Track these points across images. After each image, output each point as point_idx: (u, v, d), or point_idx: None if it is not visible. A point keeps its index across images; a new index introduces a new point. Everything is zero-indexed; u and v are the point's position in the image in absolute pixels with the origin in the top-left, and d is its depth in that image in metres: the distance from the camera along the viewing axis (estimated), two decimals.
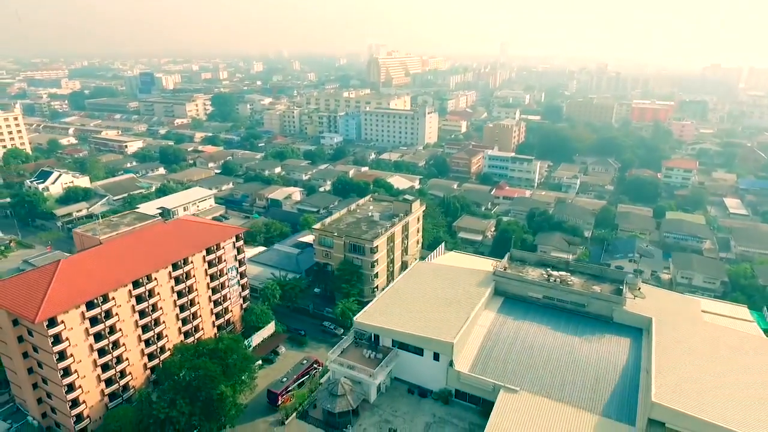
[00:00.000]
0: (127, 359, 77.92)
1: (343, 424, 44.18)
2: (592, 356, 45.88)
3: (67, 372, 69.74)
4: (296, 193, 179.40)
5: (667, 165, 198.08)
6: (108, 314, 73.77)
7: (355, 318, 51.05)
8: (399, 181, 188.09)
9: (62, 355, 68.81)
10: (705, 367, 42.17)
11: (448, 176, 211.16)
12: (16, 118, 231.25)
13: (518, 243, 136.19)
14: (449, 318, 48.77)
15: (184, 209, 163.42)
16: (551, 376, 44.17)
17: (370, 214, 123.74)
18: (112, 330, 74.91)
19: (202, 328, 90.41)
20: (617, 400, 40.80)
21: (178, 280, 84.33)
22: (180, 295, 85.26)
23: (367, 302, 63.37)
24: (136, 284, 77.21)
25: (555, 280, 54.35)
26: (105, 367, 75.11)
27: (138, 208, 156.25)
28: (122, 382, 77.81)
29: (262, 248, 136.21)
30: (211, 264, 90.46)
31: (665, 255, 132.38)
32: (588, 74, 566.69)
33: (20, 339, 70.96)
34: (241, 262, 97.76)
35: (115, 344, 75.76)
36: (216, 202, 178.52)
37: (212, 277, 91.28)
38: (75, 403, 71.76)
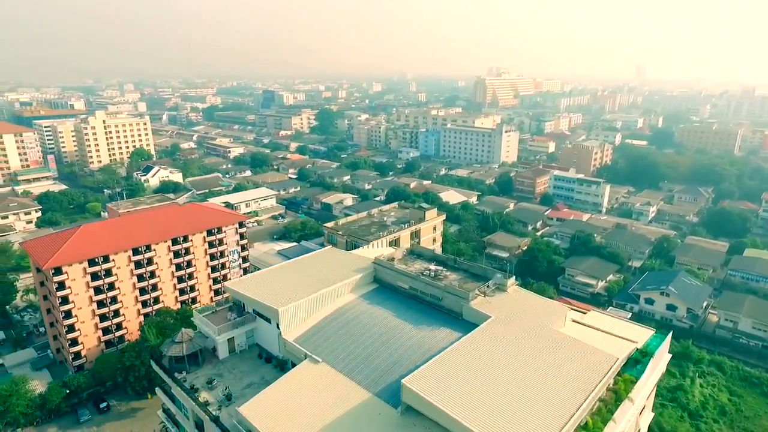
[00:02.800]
0: (123, 315, 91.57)
1: (178, 370, 49.54)
2: (409, 344, 44.86)
3: (68, 315, 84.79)
4: (348, 199, 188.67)
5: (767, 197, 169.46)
6: (108, 273, 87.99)
7: (225, 283, 56.27)
8: (452, 196, 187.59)
9: (65, 300, 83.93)
10: (499, 365, 39.40)
11: (511, 195, 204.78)
12: (145, 124, 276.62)
13: (545, 263, 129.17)
14: (303, 292, 51.48)
15: (246, 205, 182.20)
16: (358, 355, 44.27)
17: (385, 218, 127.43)
18: (111, 287, 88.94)
19: (200, 301, 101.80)
20: (398, 385, 40.42)
21: (177, 254, 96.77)
22: (178, 267, 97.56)
23: None
24: (136, 251, 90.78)
25: (429, 274, 53.65)
26: (103, 318, 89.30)
27: (208, 201, 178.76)
28: (118, 334, 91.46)
29: (293, 244, 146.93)
30: (211, 245, 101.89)
31: (717, 294, 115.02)
32: (727, 99, 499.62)
33: (42, 284, 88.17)
34: (243, 247, 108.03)
35: (113, 299, 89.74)
36: (281, 203, 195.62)
37: (212, 257, 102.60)
38: (74, 342, 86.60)
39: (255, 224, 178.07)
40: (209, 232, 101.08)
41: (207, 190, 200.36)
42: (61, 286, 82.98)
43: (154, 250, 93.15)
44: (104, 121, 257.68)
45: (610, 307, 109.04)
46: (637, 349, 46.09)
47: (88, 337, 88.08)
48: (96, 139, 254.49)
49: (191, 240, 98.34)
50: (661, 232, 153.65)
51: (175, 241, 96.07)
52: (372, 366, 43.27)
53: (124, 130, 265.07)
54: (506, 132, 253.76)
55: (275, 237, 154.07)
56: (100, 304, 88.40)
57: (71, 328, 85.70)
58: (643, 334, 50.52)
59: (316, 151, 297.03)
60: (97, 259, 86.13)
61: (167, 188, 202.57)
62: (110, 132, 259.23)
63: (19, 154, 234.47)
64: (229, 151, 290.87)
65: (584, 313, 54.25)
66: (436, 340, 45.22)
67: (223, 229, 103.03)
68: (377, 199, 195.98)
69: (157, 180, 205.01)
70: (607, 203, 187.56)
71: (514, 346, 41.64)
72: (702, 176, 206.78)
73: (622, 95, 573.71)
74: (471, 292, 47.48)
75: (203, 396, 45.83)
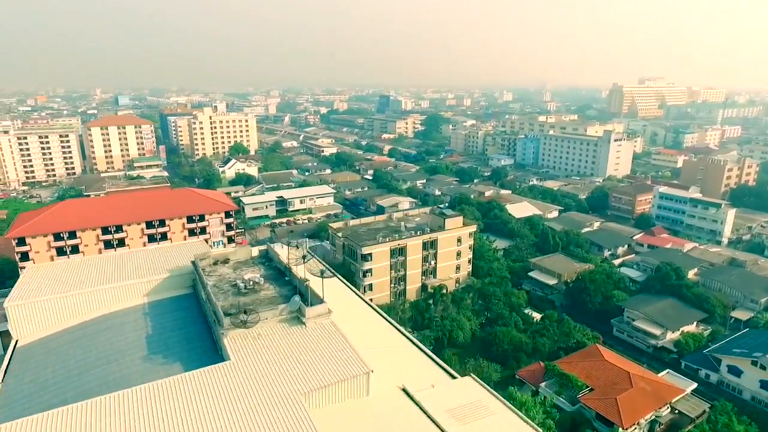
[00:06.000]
0: None
1: None
2: (110, 378, 30.21)
3: None
4: (405, 203, 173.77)
5: None
6: (75, 249, 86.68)
7: (26, 265, 47.15)
8: (524, 208, 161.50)
9: None
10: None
11: (604, 213, 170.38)
12: (247, 122, 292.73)
13: (598, 298, 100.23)
14: (73, 288, 39.93)
15: (301, 201, 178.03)
16: (46, 381, 30.86)
17: (403, 223, 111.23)
18: None
19: None
20: None
21: (152, 238, 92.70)
22: None
23: None
24: (106, 231, 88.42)
25: (240, 285, 37.83)
26: None
27: (264, 194, 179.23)
28: None
29: (319, 243, 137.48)
30: (192, 232, 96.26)
31: None
32: None
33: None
34: (230, 239, 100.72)
35: None
36: (342, 202, 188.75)
37: None
38: None
39: (307, 221, 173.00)
40: (190, 219, 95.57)
41: (276, 184, 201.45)
42: (24, 257, 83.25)
43: (126, 231, 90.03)
44: (210, 118, 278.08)
45: (667, 370, 78.30)
46: None
47: None
48: (202, 133, 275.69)
49: (168, 225, 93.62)
50: None
51: (150, 225, 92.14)
52: (39, 401, 29.92)
53: (228, 127, 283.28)
54: (616, 141, 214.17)
55: (306, 235, 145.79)
56: None
57: None
58: (511, 424, 29.06)
59: (406, 154, 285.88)
60: (62, 234, 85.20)
61: (240, 180, 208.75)
62: (215, 127, 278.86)
63: (138, 144, 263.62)
64: (323, 150, 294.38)
65: (454, 377, 33.97)
66: (145, 379, 30.09)
67: (207, 217, 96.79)
68: (441, 205, 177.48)
69: (233, 172, 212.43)
70: (730, 232, 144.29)
71: (196, 422, 24.92)
72: None
73: None
74: (226, 319, 31.26)
75: None
